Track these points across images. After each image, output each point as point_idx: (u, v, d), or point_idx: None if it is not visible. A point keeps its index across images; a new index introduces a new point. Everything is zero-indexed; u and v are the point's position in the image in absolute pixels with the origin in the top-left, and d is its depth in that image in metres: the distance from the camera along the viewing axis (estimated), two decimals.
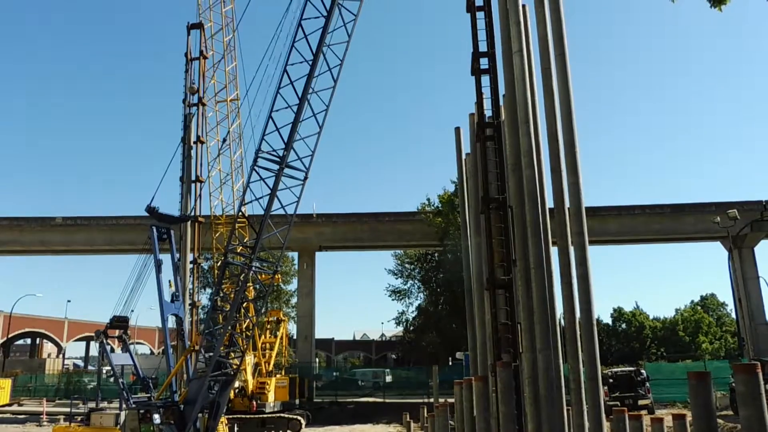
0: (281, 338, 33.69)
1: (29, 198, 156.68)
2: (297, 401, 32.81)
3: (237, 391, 30.73)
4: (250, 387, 30.92)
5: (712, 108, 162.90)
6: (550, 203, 12.03)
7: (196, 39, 33.20)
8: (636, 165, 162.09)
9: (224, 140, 32.23)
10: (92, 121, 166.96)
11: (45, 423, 33.55)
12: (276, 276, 21.00)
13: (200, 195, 31.90)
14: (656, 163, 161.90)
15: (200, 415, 18.74)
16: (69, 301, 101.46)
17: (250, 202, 21.08)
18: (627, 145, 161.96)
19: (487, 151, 13.87)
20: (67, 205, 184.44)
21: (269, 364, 32.45)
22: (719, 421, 14.10)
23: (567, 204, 11.24)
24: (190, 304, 19.81)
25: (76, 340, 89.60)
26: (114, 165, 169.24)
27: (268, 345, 33.06)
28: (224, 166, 32.26)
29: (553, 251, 12.24)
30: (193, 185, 32.29)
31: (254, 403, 30.41)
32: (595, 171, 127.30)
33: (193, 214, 30.81)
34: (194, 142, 32.42)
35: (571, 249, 11.10)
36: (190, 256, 32.55)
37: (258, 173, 19.76)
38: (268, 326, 34.25)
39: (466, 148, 18.08)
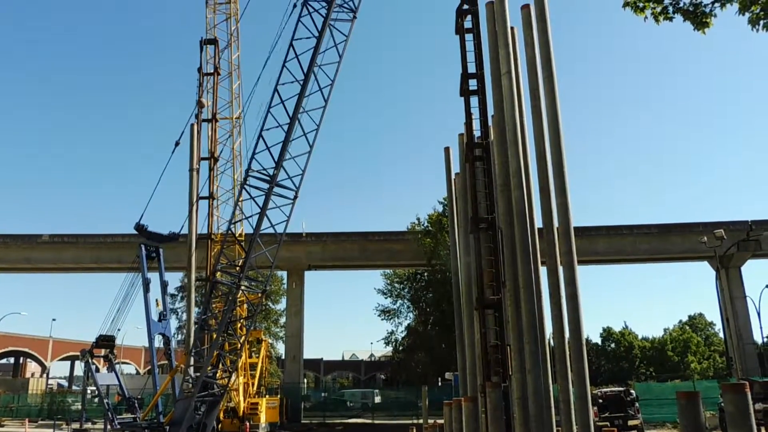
0: (262, 359, 33.44)
1: (15, 215, 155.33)
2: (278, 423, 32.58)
3: (228, 411, 30.45)
4: (242, 408, 30.64)
5: (700, 128, 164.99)
6: (538, 223, 12.09)
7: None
8: (624, 184, 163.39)
9: (215, 158, 32.08)
10: (81, 136, 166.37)
11: None
12: (256, 295, 20.89)
13: (211, 212, 31.42)
14: (644, 183, 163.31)
15: None
16: (54, 319, 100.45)
17: (240, 220, 21.07)
18: (615, 165, 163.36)
19: (476, 171, 13.96)
20: (53, 222, 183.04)
21: (254, 385, 32.14)
22: None
23: (556, 224, 11.31)
24: (202, 323, 19.51)
25: (60, 359, 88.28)
26: (103, 181, 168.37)
27: (248, 366, 32.75)
28: (224, 183, 32.02)
29: (542, 271, 12.28)
30: (204, 201, 31.89)
31: (247, 424, 30.14)
32: (584, 190, 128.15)
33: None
34: (204, 159, 32.15)
35: (560, 269, 11.14)
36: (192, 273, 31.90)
37: (248, 192, 19.76)
38: (251, 347, 33.97)
39: (455, 167, 18.18)
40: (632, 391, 27.94)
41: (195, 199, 31.51)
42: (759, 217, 44.95)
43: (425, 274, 54.07)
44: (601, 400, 25.96)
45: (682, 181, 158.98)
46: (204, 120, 32.26)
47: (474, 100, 14.35)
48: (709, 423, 25.16)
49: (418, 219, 52.82)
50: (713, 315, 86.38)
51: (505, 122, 12.18)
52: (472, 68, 14.47)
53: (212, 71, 32.72)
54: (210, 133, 32.24)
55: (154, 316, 20.34)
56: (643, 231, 46.40)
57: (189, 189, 31.44)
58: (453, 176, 18.47)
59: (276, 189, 18.84)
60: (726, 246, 39.33)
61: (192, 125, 31.95)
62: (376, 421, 39.07)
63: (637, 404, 26.45)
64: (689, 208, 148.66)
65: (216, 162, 32.05)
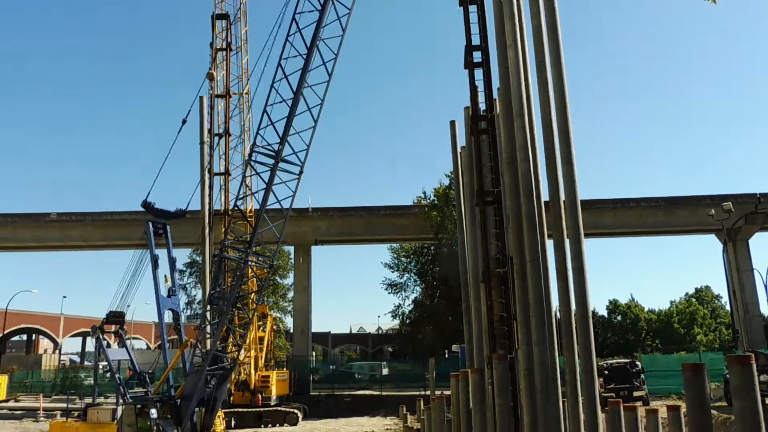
0: (268, 333, 33.86)
1: (23, 194, 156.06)
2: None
3: (239, 384, 31.03)
4: (253, 381, 31.25)
5: (709, 101, 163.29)
6: (545, 196, 12.06)
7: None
8: (631, 157, 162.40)
9: (228, 134, 32.00)
10: (87, 115, 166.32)
11: (42, 419, 33.52)
12: (263, 270, 21.02)
13: (227, 188, 31.43)
14: (651, 156, 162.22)
15: (197, 409, 18.78)
16: (65, 296, 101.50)
17: (246, 196, 21.12)
18: (622, 138, 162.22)
19: (481, 145, 13.89)
20: (61, 200, 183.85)
21: (262, 359, 32.63)
22: (713, 412, 14.19)
23: (562, 197, 11.27)
24: (211, 298, 19.71)
25: (72, 336, 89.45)
26: (111, 159, 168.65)
27: (257, 340, 33.23)
28: (234, 160, 32.04)
29: (549, 244, 12.28)
30: (217, 178, 31.94)
31: (259, 396, 30.74)
32: (590, 164, 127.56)
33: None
34: (217, 134, 32.12)
35: (567, 242, 11.13)
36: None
37: (253, 167, 19.76)
38: (257, 322, 34.43)
39: (461, 141, 18.10)
40: (638, 363, 28.15)
41: (205, 172, 31.51)
42: (767, 189, 44.64)
43: (432, 247, 54.21)
44: (606, 372, 26.20)
45: (690, 154, 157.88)
46: (217, 96, 32.18)
47: (479, 73, 14.22)
48: (713, 394, 25.35)
49: (425, 193, 52.84)
50: (720, 288, 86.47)
51: (511, 95, 12.07)
52: (476, 40, 14.31)
53: (223, 46, 32.55)
54: (220, 109, 32.19)
55: (163, 292, 20.48)
56: (650, 204, 46.21)
57: (200, 163, 31.48)
58: (459, 150, 18.40)
59: (281, 164, 18.82)
60: (734, 219, 39.19)
61: (201, 98, 31.82)
62: (384, 393, 39.53)
63: (642, 376, 26.69)
64: (697, 181, 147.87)
65: (229, 137, 32.04)
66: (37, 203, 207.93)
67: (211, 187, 31.39)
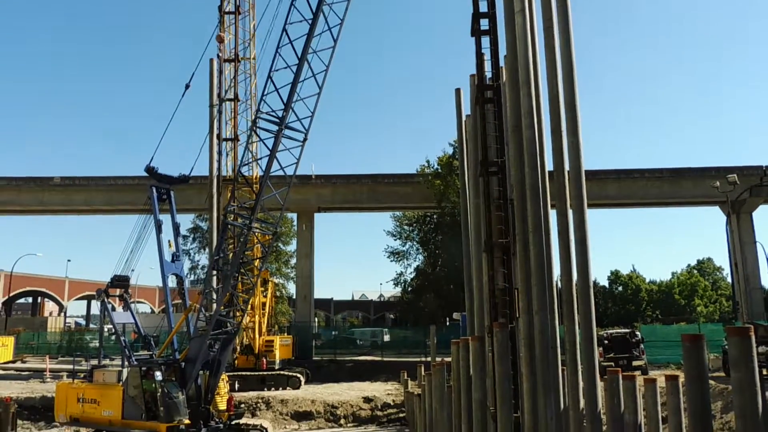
0: (270, 298, 34.25)
1: (27, 157, 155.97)
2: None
3: (244, 349, 31.55)
4: (257, 345, 31.76)
5: (717, 71, 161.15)
6: (549, 166, 12.00)
7: None
8: (637, 128, 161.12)
9: (235, 98, 31.75)
10: (92, 78, 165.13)
11: (48, 379, 34.09)
12: (267, 237, 21.11)
13: (235, 154, 31.27)
14: (657, 127, 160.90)
15: (201, 372, 19.07)
16: (69, 260, 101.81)
17: (249, 163, 21.10)
18: (628, 107, 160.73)
19: (486, 114, 13.78)
20: (65, 164, 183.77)
21: (264, 324, 33.09)
22: (711, 382, 14.35)
23: (567, 167, 11.22)
24: (215, 263, 19.90)
25: (77, 299, 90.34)
26: (115, 124, 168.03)
27: (260, 305, 33.64)
28: (242, 125, 31.85)
29: (552, 214, 12.28)
30: (224, 144, 31.72)
31: (264, 360, 31.27)
32: (596, 133, 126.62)
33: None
34: (228, 100, 31.88)
35: (570, 212, 11.12)
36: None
37: (257, 134, 19.71)
38: (260, 288, 34.76)
39: (466, 110, 17.95)
40: (638, 333, 28.36)
41: (214, 136, 31.33)
42: None
43: (434, 216, 54.26)
44: (606, 341, 26.42)
45: (696, 125, 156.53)
46: (225, 60, 31.89)
47: (485, 41, 14.02)
48: (712, 365, 25.56)
49: (428, 161, 52.64)
50: (722, 260, 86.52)
51: (518, 63, 11.93)
52: (483, 7, 14.09)
53: (231, 9, 32.14)
54: (226, 74, 31.89)
55: (167, 257, 20.62)
56: (654, 175, 45.98)
57: (209, 126, 31.34)
58: (464, 118, 18.26)
59: (285, 131, 18.75)
60: (738, 191, 39.03)
61: (211, 60, 31.52)
62: (385, 359, 40.02)
63: (642, 346, 26.91)
64: (702, 152, 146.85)
65: (237, 102, 31.83)
66: (40, 167, 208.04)
67: (219, 153, 31.35)
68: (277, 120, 18.69)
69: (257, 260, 22.62)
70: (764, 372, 19.76)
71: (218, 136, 31.56)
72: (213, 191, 30.87)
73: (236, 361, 31.34)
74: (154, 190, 20.84)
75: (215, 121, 31.05)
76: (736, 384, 7.13)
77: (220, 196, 31.20)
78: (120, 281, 20.41)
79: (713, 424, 9.25)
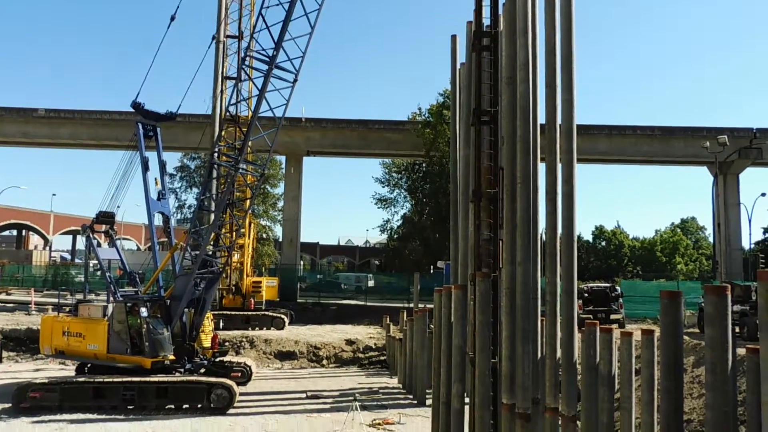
0: (252, 240, 34.43)
1: (9, 87, 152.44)
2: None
3: (231, 289, 31.93)
4: (244, 286, 32.12)
5: (714, 31, 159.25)
6: (541, 119, 11.93)
7: None
8: (632, 84, 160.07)
9: (240, 35, 30.99)
10: (78, 11, 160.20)
11: (34, 312, 34.31)
12: (259, 178, 21.00)
13: (238, 93, 30.82)
14: (652, 84, 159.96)
15: (186, 310, 19.27)
16: (54, 194, 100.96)
17: (238, 102, 20.78)
18: (625, 62, 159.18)
19: (482, 62, 13.57)
20: (48, 96, 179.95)
21: (248, 265, 33.37)
22: (684, 338, 14.72)
23: (559, 121, 11.16)
24: (201, 203, 19.86)
25: (62, 234, 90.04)
26: (101, 57, 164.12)
27: (248, 245, 33.82)
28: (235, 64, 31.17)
29: (541, 167, 12.28)
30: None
31: (252, 300, 31.70)
32: (590, 87, 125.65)
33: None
34: (230, 36, 31.06)
35: (559, 166, 11.12)
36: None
37: (246, 72, 19.34)
38: (241, 229, 34.91)
39: (461, 57, 17.67)
40: (617, 288, 28.87)
41: (219, 73, 30.58)
42: (764, 125, 44.42)
43: (423, 165, 54.14)
44: (586, 294, 26.90)
45: (691, 85, 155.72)
46: None
47: None
48: (687, 321, 26.21)
49: (420, 109, 52.17)
50: (705, 220, 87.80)
51: (517, 11, 11.70)
52: None
53: None
54: (225, 12, 31.03)
55: (153, 195, 20.49)
56: (646, 132, 45.96)
57: (214, 62, 30.67)
58: (458, 66, 17.99)
59: (275, 71, 18.41)
60: (727, 152, 39.19)
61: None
62: (369, 303, 40.60)
63: (621, 300, 27.43)
64: (695, 112, 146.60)
65: (241, 39, 31.05)
66: (24, 98, 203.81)
67: (222, 91, 30.79)
68: (267, 59, 18.32)
69: (244, 201, 22.57)
70: (737, 330, 20.31)
71: (214, 73, 30.96)
72: (216, 130, 30.55)
73: (223, 301, 31.72)
74: (141, 127, 20.53)
75: (212, 59, 30.37)
76: (709, 340, 7.32)
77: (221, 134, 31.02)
78: (105, 217, 20.31)
79: (683, 377, 9.54)
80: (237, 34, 31.19)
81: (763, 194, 44.16)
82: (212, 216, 20.08)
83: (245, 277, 32.46)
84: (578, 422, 10.76)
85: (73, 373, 19.49)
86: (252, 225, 34.99)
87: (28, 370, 22.91)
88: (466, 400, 13.71)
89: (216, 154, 20.20)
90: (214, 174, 21.49)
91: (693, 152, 43.03)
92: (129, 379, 17.55)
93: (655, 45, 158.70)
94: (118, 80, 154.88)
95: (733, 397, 7.55)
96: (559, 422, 10.76)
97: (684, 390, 10.12)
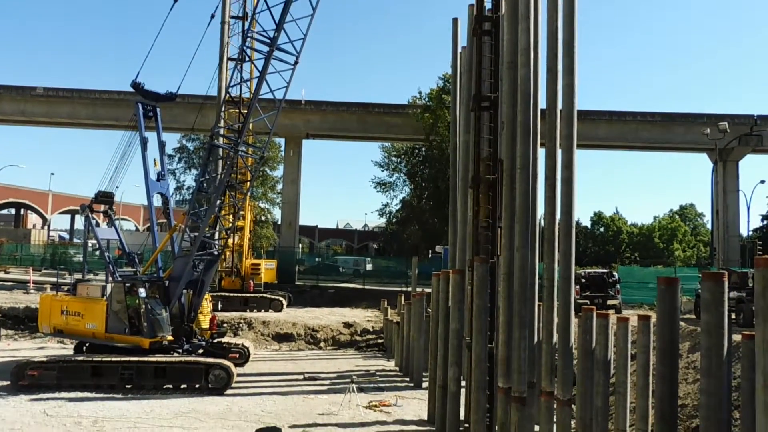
0: (249, 222, 34.48)
1: (7, 66, 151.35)
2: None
3: (229, 271, 32.04)
4: (244, 268, 32.24)
5: (713, 21, 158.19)
6: (542, 104, 11.91)
7: None
8: (633, 69, 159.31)
9: (244, 16, 30.73)
10: None
11: (32, 291, 34.39)
12: (259, 160, 20.96)
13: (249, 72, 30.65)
14: (653, 70, 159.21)
15: (185, 291, 19.33)
16: (53, 173, 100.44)
17: (238, 84, 20.68)
18: (626, 48, 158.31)
19: (483, 47, 13.51)
20: (47, 75, 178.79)
21: (245, 248, 33.46)
22: (680, 323, 14.81)
23: (559, 106, 11.14)
24: (200, 185, 19.79)
25: (60, 213, 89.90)
26: (101, 36, 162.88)
27: (248, 227, 33.88)
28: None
29: (540, 153, 12.27)
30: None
31: (251, 282, 31.83)
32: (591, 73, 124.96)
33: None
34: (234, 17, 30.76)
35: (559, 152, 11.12)
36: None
37: (247, 54, 19.23)
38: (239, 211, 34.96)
39: (462, 41, 17.57)
40: (615, 274, 28.98)
41: (225, 54, 30.28)
42: (765, 112, 44.27)
43: (423, 149, 54.03)
44: (583, 280, 26.98)
45: (692, 71, 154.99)
46: None
47: None
48: (684, 307, 26.31)
49: (420, 93, 51.88)
50: (704, 206, 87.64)
51: None
52: None
53: None
54: None
55: (153, 176, 20.45)
56: (646, 119, 45.81)
57: (220, 44, 30.40)
58: (459, 50, 17.90)
59: (276, 53, 18.31)
60: (728, 139, 39.12)
61: None
62: (367, 287, 40.71)
63: (617, 286, 27.54)
64: (695, 99, 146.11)
65: (246, 20, 30.76)
66: (22, 77, 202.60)
67: (228, 70, 30.53)
68: (269, 40, 18.21)
69: (243, 184, 22.56)
70: (732, 316, 20.42)
71: (219, 54, 30.75)
72: (220, 110, 30.44)
73: (222, 282, 31.84)
74: (140, 107, 20.43)
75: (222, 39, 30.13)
76: (705, 326, 7.38)
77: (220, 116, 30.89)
78: (104, 197, 20.28)
79: (678, 363, 9.61)
80: (241, 15, 30.88)
81: (763, 181, 44.24)
82: (211, 198, 20.07)
83: (243, 259, 32.56)
84: (573, 406, 10.87)
85: (71, 352, 19.59)
86: (250, 207, 35.02)
87: (26, 348, 23.02)
88: (462, 383, 13.83)
89: (215, 136, 20.15)
90: (214, 156, 21.44)
91: (693, 139, 42.94)
92: (127, 358, 17.64)
93: (656, 31, 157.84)
94: (118, 59, 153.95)
95: (727, 382, 7.62)
96: (554, 406, 10.87)
97: (679, 375, 10.22)
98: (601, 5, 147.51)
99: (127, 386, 17.27)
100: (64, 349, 22.07)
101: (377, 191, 62.27)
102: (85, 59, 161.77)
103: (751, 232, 51.53)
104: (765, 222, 57.68)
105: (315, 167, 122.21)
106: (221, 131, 20.39)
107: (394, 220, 62.22)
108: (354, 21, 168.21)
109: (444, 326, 14.37)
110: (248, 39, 18.61)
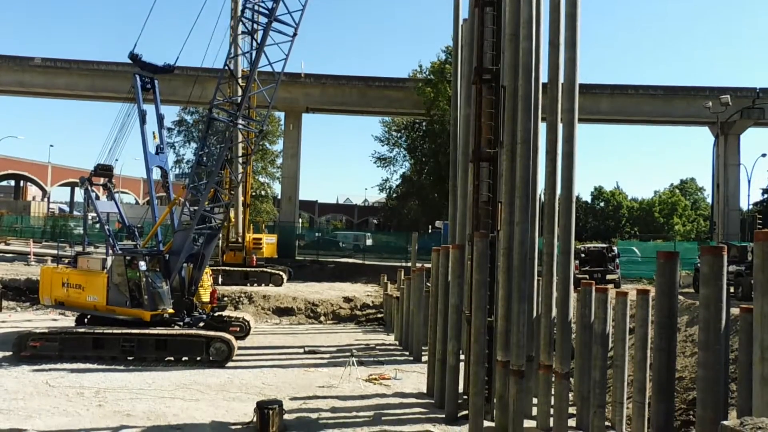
0: (247, 195, 34.50)
1: (4, 35, 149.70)
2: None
3: (233, 244, 32.12)
4: (246, 242, 32.32)
5: None
6: (544, 78, 11.79)
7: None
8: (636, 43, 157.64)
9: None
10: None
11: (33, 263, 34.49)
12: (258, 134, 20.84)
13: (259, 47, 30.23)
14: (656, 43, 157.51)
15: (185, 265, 19.37)
16: (52, 145, 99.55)
17: (236, 56, 20.47)
18: (627, 21, 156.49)
19: (485, 18, 13.32)
20: (45, 45, 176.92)
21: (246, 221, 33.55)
22: (679, 297, 14.87)
23: (561, 80, 11.03)
24: (199, 158, 19.68)
25: (60, 185, 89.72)
26: (99, 7, 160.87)
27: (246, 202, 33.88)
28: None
29: (541, 127, 12.20)
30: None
31: (253, 257, 31.94)
32: (593, 46, 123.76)
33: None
34: None
35: (560, 126, 11.05)
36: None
37: (245, 25, 19.00)
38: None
39: (464, 13, 17.35)
40: (614, 248, 29.02)
41: (229, 25, 29.83)
42: (767, 85, 43.88)
43: (423, 123, 53.76)
44: (583, 255, 27.05)
45: (693, 44, 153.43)
46: None
47: None
48: (683, 281, 26.40)
49: (421, 66, 51.45)
50: (704, 181, 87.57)
51: None
52: None
53: None
54: None
55: (152, 149, 20.34)
56: (648, 92, 45.51)
57: (230, 16, 29.90)
58: (461, 22, 17.68)
59: (275, 24, 18.08)
60: (730, 112, 38.86)
61: None
62: (367, 262, 40.82)
63: (617, 260, 27.60)
64: (697, 72, 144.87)
65: None
66: (19, 46, 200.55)
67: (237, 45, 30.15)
68: (267, 12, 17.98)
69: (242, 157, 22.45)
70: (731, 290, 20.50)
71: (232, 28, 30.38)
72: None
73: (224, 256, 31.93)
74: (138, 79, 20.25)
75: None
76: (703, 299, 7.40)
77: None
78: (104, 170, 20.21)
79: (677, 336, 9.67)
80: None
81: (764, 155, 44.02)
82: (211, 172, 19.99)
83: (245, 233, 32.63)
84: (571, 379, 10.96)
85: (73, 324, 19.72)
86: (248, 180, 34.97)
87: (28, 320, 23.16)
88: (462, 356, 13.93)
89: (215, 109, 20.00)
90: (214, 129, 21.31)
91: (695, 112, 42.68)
92: (128, 330, 17.75)
93: (659, 3, 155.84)
94: (118, 30, 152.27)
95: (725, 355, 7.67)
96: (553, 379, 10.97)
97: (677, 348, 10.29)
98: None
99: (128, 358, 17.42)
100: (66, 320, 22.19)
101: (377, 166, 62.17)
102: (84, 29, 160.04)
103: (751, 206, 51.53)
104: (765, 196, 57.63)
105: (315, 142, 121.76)
106: (220, 104, 20.24)
107: (394, 195, 62.14)
108: None
109: (443, 300, 14.44)
110: (247, 10, 18.33)
